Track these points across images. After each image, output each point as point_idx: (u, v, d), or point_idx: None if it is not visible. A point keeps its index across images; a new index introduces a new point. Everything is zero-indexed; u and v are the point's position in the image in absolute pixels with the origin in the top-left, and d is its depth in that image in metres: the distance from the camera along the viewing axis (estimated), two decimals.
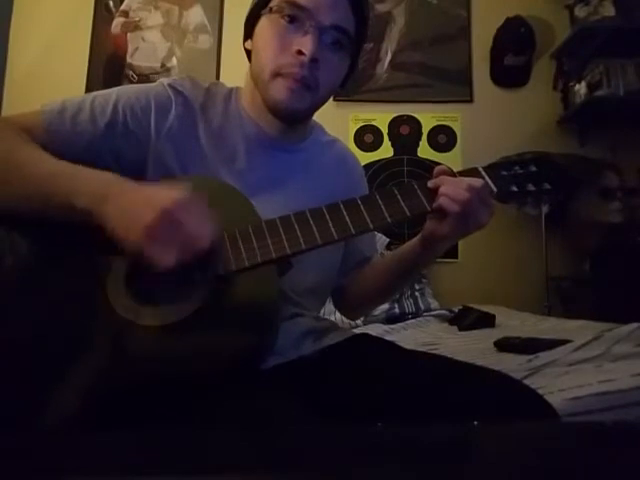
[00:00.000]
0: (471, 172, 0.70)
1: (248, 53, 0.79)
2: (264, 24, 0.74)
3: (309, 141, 0.84)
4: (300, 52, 0.70)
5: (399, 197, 0.65)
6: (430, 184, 0.67)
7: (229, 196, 0.66)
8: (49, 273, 0.63)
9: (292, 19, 0.71)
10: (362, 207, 0.63)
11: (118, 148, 0.72)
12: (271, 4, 0.73)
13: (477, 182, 0.65)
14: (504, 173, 0.70)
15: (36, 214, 0.61)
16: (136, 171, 0.74)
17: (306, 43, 0.69)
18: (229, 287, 0.59)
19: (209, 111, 0.78)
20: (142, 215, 0.54)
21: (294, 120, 0.78)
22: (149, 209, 0.54)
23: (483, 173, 0.69)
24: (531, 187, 0.70)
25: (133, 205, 0.56)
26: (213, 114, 0.78)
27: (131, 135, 0.72)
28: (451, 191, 0.64)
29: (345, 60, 0.77)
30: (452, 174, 0.68)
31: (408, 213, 0.64)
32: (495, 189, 0.68)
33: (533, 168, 0.71)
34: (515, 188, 0.69)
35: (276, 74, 0.72)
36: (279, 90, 0.72)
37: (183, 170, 0.73)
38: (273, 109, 0.74)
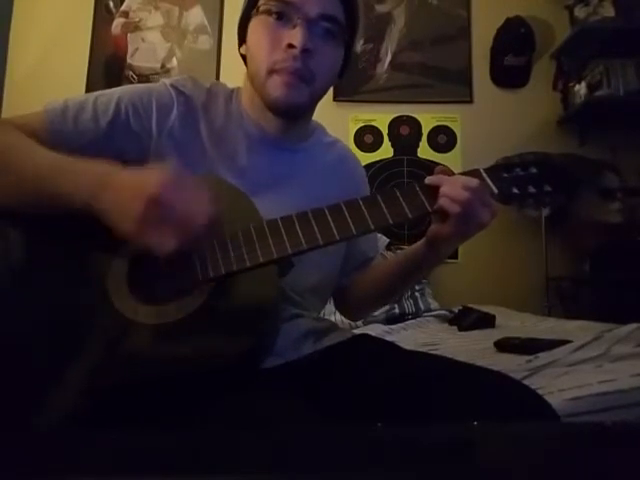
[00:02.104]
0: (472, 174, 0.70)
1: (244, 58, 0.79)
2: (254, 25, 0.75)
3: (311, 141, 0.84)
4: (291, 45, 0.70)
5: (401, 198, 0.65)
6: (428, 181, 0.67)
7: (231, 195, 0.66)
8: (50, 271, 0.63)
9: (280, 16, 0.72)
10: (364, 208, 0.63)
11: (120, 147, 0.72)
12: (258, 4, 0.74)
13: (473, 181, 0.65)
14: (505, 175, 0.70)
15: (34, 209, 0.62)
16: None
17: (295, 35, 0.70)
18: (230, 286, 0.59)
19: (211, 111, 0.78)
20: (132, 206, 0.54)
21: (294, 115, 0.77)
22: (137, 200, 0.54)
23: (484, 175, 0.69)
24: (532, 189, 0.69)
25: (122, 197, 0.56)
26: (215, 114, 0.78)
27: (133, 134, 0.72)
28: (450, 191, 0.64)
29: (338, 48, 0.77)
30: (451, 173, 0.68)
31: (409, 214, 0.64)
32: (496, 190, 0.68)
33: (534, 170, 0.71)
34: (516, 190, 0.69)
35: (271, 71, 0.72)
36: (276, 86, 0.72)
37: (184, 169, 0.73)
38: (272, 106, 0.75)
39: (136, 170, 0.58)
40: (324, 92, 0.79)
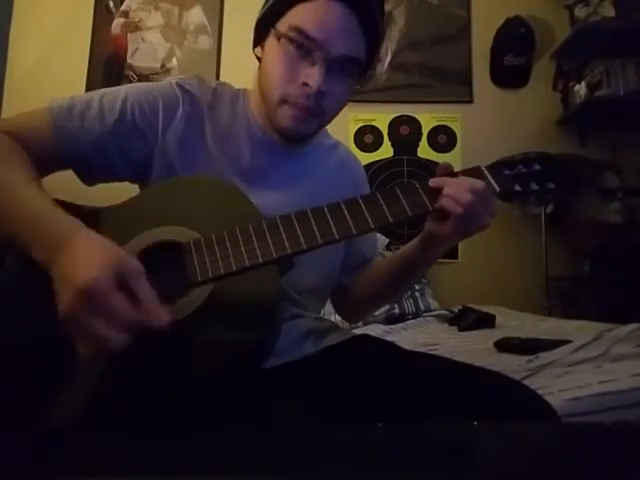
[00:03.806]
0: (474, 171, 0.69)
1: (259, 59, 0.78)
2: (273, 46, 0.72)
3: (313, 144, 0.84)
4: (306, 84, 0.69)
5: (401, 197, 0.64)
6: (432, 183, 0.66)
7: (231, 196, 0.66)
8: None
9: (300, 46, 0.69)
10: (363, 207, 0.63)
11: (125, 145, 0.72)
12: (281, 27, 0.71)
13: (479, 184, 0.64)
14: (507, 172, 0.69)
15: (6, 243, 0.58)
16: (142, 168, 0.74)
17: (313, 75, 0.68)
18: (229, 287, 0.59)
19: (216, 111, 0.78)
20: (60, 301, 0.49)
21: (299, 141, 0.78)
22: (61, 301, 0.49)
23: (486, 172, 0.69)
24: (535, 186, 0.69)
25: (58, 283, 0.50)
26: (220, 114, 0.78)
27: (138, 133, 0.72)
28: (454, 192, 0.63)
29: (353, 85, 0.76)
30: (454, 174, 0.68)
31: (410, 213, 0.64)
32: (497, 188, 0.67)
33: (537, 167, 0.70)
34: (518, 187, 0.68)
35: (283, 101, 0.71)
36: (285, 117, 0.72)
37: (188, 169, 0.73)
38: (279, 132, 0.75)
39: (87, 247, 0.51)
40: (331, 121, 0.79)
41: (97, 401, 0.53)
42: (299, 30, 0.69)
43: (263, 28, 0.75)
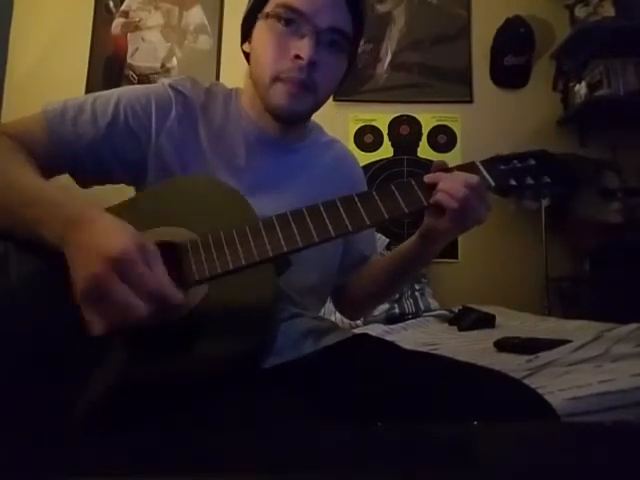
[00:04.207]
0: (469, 166, 0.70)
1: (246, 55, 0.79)
2: (261, 29, 0.74)
3: (308, 141, 0.84)
4: (298, 56, 0.70)
5: (396, 193, 0.65)
6: (427, 179, 0.66)
7: (227, 195, 0.66)
8: (52, 268, 0.63)
9: (289, 22, 0.71)
10: (359, 204, 0.63)
11: (119, 148, 0.72)
12: (267, 8, 0.73)
13: (473, 178, 0.65)
14: (502, 167, 0.70)
15: (17, 235, 0.58)
16: (137, 171, 0.74)
17: (304, 47, 0.69)
18: (227, 286, 0.59)
19: (210, 111, 0.78)
20: (79, 275, 0.50)
21: (295, 121, 0.78)
22: (84, 271, 0.49)
23: (481, 167, 0.69)
24: (530, 181, 0.69)
25: (76, 261, 0.51)
26: (214, 114, 0.78)
27: (132, 135, 0.72)
28: (449, 187, 0.64)
29: (343, 60, 0.77)
30: (449, 169, 0.68)
31: (406, 209, 0.64)
32: (493, 183, 0.68)
33: (532, 162, 0.70)
34: (514, 182, 0.69)
35: (275, 79, 0.72)
36: (279, 95, 0.72)
37: (183, 169, 0.73)
38: (274, 113, 0.75)
39: (109, 222, 0.53)
40: (325, 100, 0.79)
41: (97, 401, 0.53)
42: (286, 6, 0.70)
43: (250, 21, 0.76)
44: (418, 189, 0.66)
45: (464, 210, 0.64)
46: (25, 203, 0.57)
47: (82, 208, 0.55)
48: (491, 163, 0.70)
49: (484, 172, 0.69)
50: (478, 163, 0.70)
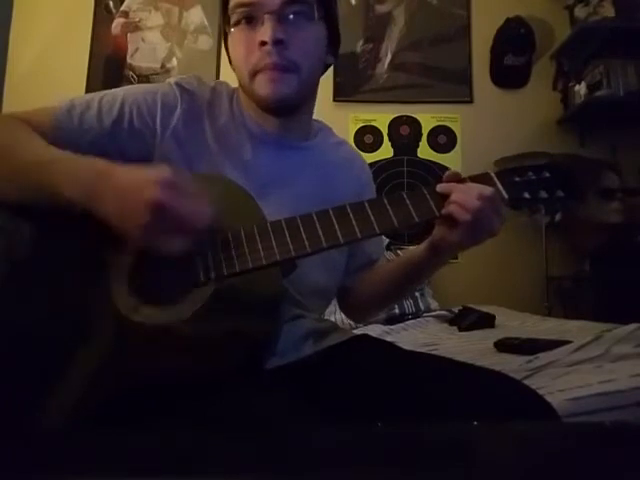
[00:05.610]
0: (483, 177, 0.68)
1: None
2: (231, 40, 0.76)
3: (316, 141, 0.84)
4: (263, 42, 0.70)
5: (408, 202, 0.64)
6: (439, 189, 0.65)
7: (234, 194, 0.65)
8: (52, 267, 0.63)
9: (249, 20, 0.72)
10: (369, 211, 0.62)
11: (123, 146, 0.72)
12: (231, 19, 0.74)
13: (488, 190, 0.63)
14: (517, 179, 0.67)
15: (33, 200, 0.62)
16: None
17: (264, 32, 0.70)
18: (232, 287, 0.59)
19: (215, 109, 0.78)
20: (134, 213, 0.54)
21: (287, 109, 0.76)
22: (140, 205, 0.54)
23: (495, 179, 0.67)
24: (544, 194, 0.67)
25: (124, 199, 0.56)
26: (219, 112, 0.78)
27: (137, 133, 0.73)
28: (462, 199, 0.62)
29: (316, 27, 0.75)
30: (462, 179, 0.67)
31: (416, 219, 0.63)
32: (506, 196, 0.66)
33: (547, 174, 0.68)
34: (527, 195, 0.67)
35: (254, 73, 0.72)
36: (261, 86, 0.72)
37: (189, 168, 0.73)
38: (264, 105, 0.75)
39: (135, 169, 0.58)
40: (314, 77, 0.78)
41: (96, 401, 0.53)
42: (238, 4, 0.72)
43: (227, 40, 0.79)
44: (430, 198, 0.64)
45: (477, 223, 0.62)
46: (40, 164, 0.61)
47: (99, 161, 0.60)
48: (505, 175, 0.68)
49: (498, 184, 0.66)
50: (492, 174, 0.68)
